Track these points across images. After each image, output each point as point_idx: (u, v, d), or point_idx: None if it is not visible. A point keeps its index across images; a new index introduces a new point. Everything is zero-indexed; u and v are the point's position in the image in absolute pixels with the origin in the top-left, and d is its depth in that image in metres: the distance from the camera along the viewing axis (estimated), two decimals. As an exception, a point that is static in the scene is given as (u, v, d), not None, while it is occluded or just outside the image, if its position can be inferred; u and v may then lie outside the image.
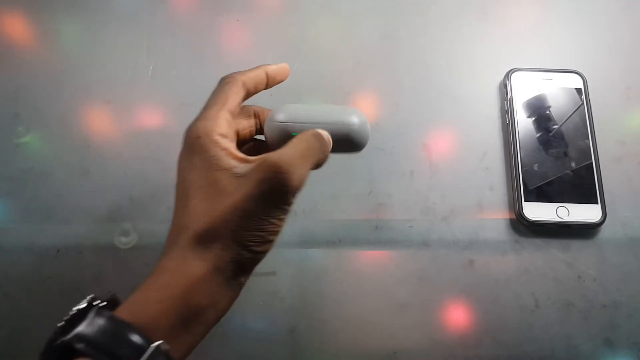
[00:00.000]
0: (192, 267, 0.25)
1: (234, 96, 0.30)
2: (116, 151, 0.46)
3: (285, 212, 0.27)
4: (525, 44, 0.50)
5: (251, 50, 0.50)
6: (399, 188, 0.45)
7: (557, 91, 0.46)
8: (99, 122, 0.47)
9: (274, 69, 0.33)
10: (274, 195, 0.26)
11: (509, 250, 0.43)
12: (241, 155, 0.28)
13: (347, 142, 0.32)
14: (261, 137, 0.34)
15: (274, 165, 0.26)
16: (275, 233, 0.27)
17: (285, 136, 0.30)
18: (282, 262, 0.42)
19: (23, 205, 0.44)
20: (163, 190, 0.44)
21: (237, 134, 0.32)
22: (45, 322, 0.41)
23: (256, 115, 0.33)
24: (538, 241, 0.43)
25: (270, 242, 0.27)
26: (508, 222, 0.44)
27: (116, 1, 0.52)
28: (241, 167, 0.27)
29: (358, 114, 0.32)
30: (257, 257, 0.27)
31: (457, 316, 0.41)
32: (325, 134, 0.30)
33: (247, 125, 0.33)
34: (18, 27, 0.52)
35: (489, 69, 0.49)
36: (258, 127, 0.34)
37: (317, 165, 0.30)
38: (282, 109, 0.31)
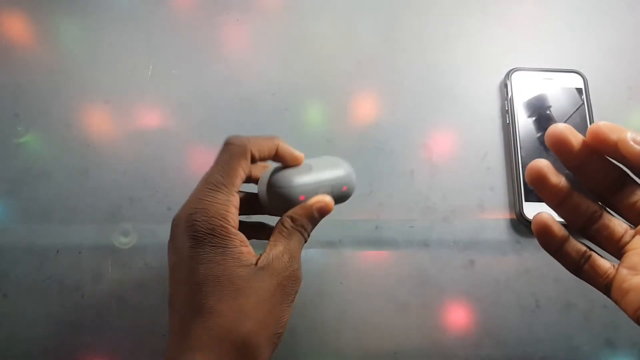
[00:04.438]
0: None
1: (241, 173, 0.28)
2: (115, 151, 0.46)
3: (295, 295, 0.29)
4: (526, 43, 0.50)
5: (251, 50, 0.50)
6: (399, 188, 0.45)
7: (558, 91, 0.46)
8: (99, 122, 0.47)
9: (287, 151, 0.30)
10: (292, 285, 0.28)
11: (509, 250, 0.42)
12: (250, 247, 0.28)
13: (345, 197, 0.33)
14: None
15: (291, 258, 0.28)
16: (288, 317, 0.28)
17: (291, 203, 0.30)
18: (282, 263, 0.42)
19: (22, 205, 0.44)
20: (163, 190, 0.44)
21: None
22: (45, 323, 0.41)
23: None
24: (539, 241, 0.43)
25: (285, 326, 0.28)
26: (509, 222, 0.43)
27: (116, 1, 0.52)
28: (256, 261, 0.27)
29: (347, 165, 0.33)
30: (277, 345, 0.28)
31: (458, 316, 0.40)
32: (331, 203, 0.30)
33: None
34: (17, 27, 0.52)
35: (489, 68, 0.49)
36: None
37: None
38: (282, 176, 0.30)
